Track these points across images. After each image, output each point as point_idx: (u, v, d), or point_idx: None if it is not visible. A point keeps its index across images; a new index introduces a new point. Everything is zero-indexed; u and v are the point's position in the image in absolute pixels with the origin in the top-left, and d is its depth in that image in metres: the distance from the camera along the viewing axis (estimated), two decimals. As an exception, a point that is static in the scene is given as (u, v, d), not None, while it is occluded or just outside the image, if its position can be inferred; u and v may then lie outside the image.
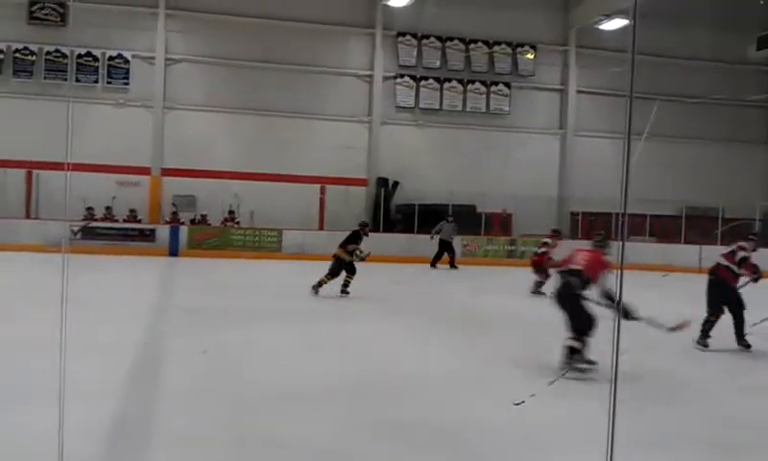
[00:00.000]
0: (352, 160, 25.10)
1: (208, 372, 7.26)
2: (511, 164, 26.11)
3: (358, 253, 13.62)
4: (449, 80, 26.10)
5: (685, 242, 24.65)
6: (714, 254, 22.91)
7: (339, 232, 22.24)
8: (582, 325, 7.44)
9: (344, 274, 13.56)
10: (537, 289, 14.88)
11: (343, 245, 13.68)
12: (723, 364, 8.87)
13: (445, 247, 21.13)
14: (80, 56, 23.25)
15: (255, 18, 24.27)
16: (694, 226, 25.90)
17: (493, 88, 26.37)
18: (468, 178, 25.03)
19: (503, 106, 26.49)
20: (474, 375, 7.61)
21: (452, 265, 21.04)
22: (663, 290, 15.67)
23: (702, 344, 9.35)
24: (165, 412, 5.80)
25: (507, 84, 26.46)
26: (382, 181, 25.15)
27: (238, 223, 23.22)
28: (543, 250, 15.54)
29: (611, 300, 7.20)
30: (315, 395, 6.39)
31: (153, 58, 23.78)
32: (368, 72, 25.56)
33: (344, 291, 13.55)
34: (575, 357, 7.42)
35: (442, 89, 26.08)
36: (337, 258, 13.58)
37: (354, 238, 13.76)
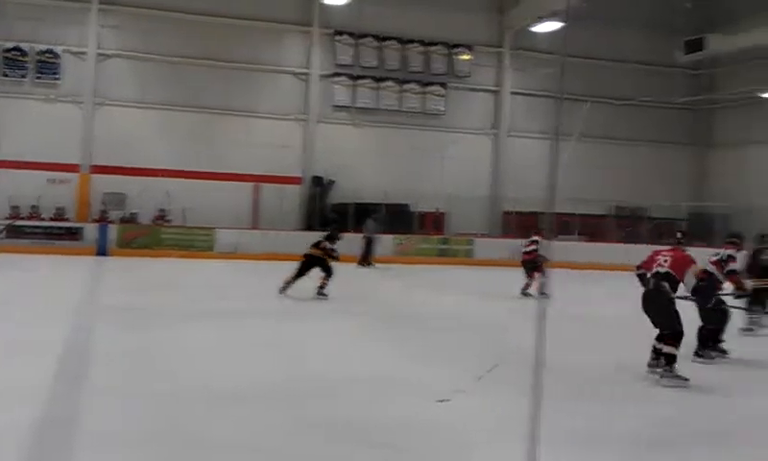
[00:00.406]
0: (287, 159, 25.57)
1: (135, 371, 7.33)
2: (445, 164, 26.88)
3: (333, 254, 13.88)
4: (386, 79, 26.77)
5: (614, 241, 25.75)
6: (643, 253, 24.10)
7: (273, 232, 22.93)
8: (678, 329, 7.62)
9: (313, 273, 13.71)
10: (525, 291, 15.16)
11: (316, 245, 13.92)
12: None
13: (368, 243, 21.73)
14: (7, 50, 23.20)
15: (191, 14, 24.56)
16: (623, 225, 27.13)
17: (429, 88, 27.13)
18: (403, 177, 25.74)
19: (439, 106, 27.29)
20: (405, 373, 7.73)
21: (363, 261, 21.38)
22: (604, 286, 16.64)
23: (702, 355, 9.10)
24: (90, 412, 5.82)
25: (443, 85, 27.26)
26: (317, 180, 25.67)
27: (169, 221, 23.46)
28: (532, 248, 15.54)
29: (700, 295, 7.88)
30: (243, 395, 6.48)
31: (84, 53, 23.85)
32: (304, 70, 26.07)
33: (320, 293, 13.59)
34: (675, 366, 7.60)
35: (378, 89, 26.70)
36: (309, 258, 13.74)
37: (332, 239, 14.08)
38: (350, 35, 26.33)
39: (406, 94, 27.09)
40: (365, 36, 26.45)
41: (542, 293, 14.79)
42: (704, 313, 8.91)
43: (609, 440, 5.77)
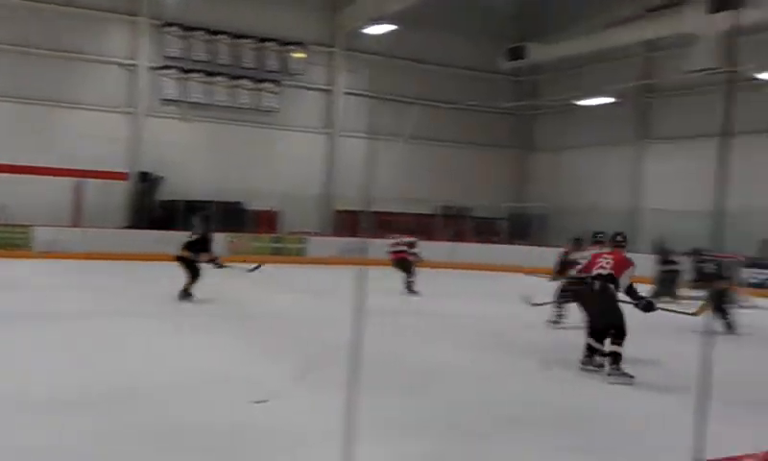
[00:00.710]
0: (113, 153, 24.84)
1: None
2: (279, 162, 27.16)
3: (217, 260, 13.92)
4: (218, 74, 26.62)
5: (441, 239, 27.04)
6: (468, 250, 25.47)
7: (96, 229, 22.25)
8: (623, 327, 8.00)
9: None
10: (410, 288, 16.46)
11: (188, 247, 13.72)
12: (467, 353, 9.98)
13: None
14: None
15: (10, -1, 23.32)
16: (449, 224, 28.53)
17: (263, 85, 27.27)
18: (236, 174, 25.74)
19: (272, 103, 27.50)
20: (232, 373, 7.75)
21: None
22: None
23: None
24: None
25: (276, 82, 27.48)
26: (145, 176, 25.14)
27: (-19, 217, 22.18)
28: (402, 248, 16.83)
29: (633, 296, 8.28)
30: (61, 400, 6.29)
31: None
32: (132, 62, 25.45)
33: (186, 294, 13.46)
34: (620, 364, 7.96)
35: (210, 83, 26.51)
36: (184, 260, 13.60)
37: (205, 243, 13.88)
38: (180, 26, 25.98)
39: (239, 90, 27.07)
40: (196, 28, 26.18)
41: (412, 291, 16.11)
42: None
43: (426, 429, 6.04)
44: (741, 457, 2.59)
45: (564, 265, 12.34)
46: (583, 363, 8.55)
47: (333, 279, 17.27)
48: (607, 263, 8.38)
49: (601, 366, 8.37)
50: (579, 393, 7.80)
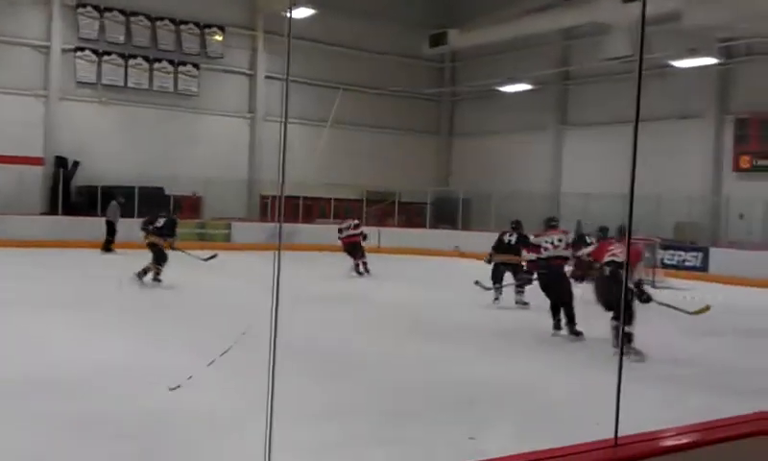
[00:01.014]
0: (28, 138, 24.05)
1: None
2: (200, 146, 26.79)
3: (172, 244, 14.41)
4: (135, 56, 26.04)
5: (366, 224, 27.14)
6: (393, 235, 25.63)
7: (8, 216, 21.50)
8: (630, 311, 8.43)
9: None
10: (358, 269, 17.76)
11: (156, 231, 14.23)
12: (394, 337, 10.11)
13: (109, 228, 21.35)
14: None
15: None
16: (374, 210, 28.67)
17: (181, 68, 26.82)
18: (157, 159, 25.26)
19: (191, 86, 27.05)
20: (150, 361, 7.70)
21: (106, 248, 21.18)
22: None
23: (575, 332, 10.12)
24: None
25: (195, 65, 27.04)
26: (61, 161, 24.44)
27: None
28: (354, 232, 18.11)
29: (638, 287, 8.91)
30: None
31: None
32: (44, 43, 24.62)
33: (156, 278, 14.09)
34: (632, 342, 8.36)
35: (126, 66, 25.93)
36: (154, 245, 14.17)
37: (172, 226, 14.48)
38: (95, 7, 25.32)
39: (157, 73, 26.54)
40: (110, 9, 25.54)
41: (362, 272, 17.37)
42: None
43: (355, 413, 6.11)
44: (657, 432, 2.74)
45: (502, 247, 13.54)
46: (614, 346, 8.62)
47: (260, 265, 17.25)
48: (621, 252, 8.99)
49: (639, 354, 8.46)
50: (510, 370, 8.02)
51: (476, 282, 13.26)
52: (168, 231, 14.38)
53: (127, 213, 21.97)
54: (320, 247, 22.65)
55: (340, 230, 18.45)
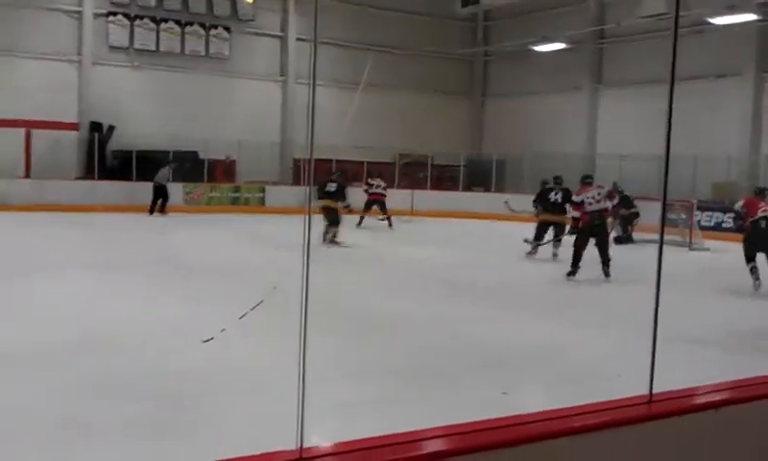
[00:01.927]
0: (62, 103, 24.34)
1: None
2: (233, 110, 26.89)
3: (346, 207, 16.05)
4: (166, 20, 26.10)
5: (399, 187, 27.19)
6: (426, 198, 25.62)
7: (48, 181, 21.88)
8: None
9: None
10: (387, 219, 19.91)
11: (331, 196, 15.18)
12: (430, 299, 10.42)
13: (159, 192, 21.63)
14: None
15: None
16: (407, 172, 28.67)
17: (213, 32, 26.84)
18: (190, 123, 25.40)
19: (223, 50, 27.08)
20: (186, 322, 7.78)
21: (157, 210, 21.52)
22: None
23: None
24: None
25: (227, 28, 27.05)
26: (96, 126, 24.72)
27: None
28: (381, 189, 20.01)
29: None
30: (12, 354, 6.26)
31: None
32: (76, 8, 24.78)
33: (333, 242, 14.82)
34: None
35: (158, 30, 26.01)
36: (329, 209, 15.03)
37: (344, 191, 15.73)
38: (127, -28, 25.33)
39: (189, 37, 26.59)
40: (143, -27, 25.54)
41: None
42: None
43: (384, 373, 6.21)
44: (691, 390, 2.77)
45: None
46: None
47: (295, 229, 17.37)
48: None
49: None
50: (539, 331, 8.05)
51: (526, 240, 14.45)
52: (340, 196, 15.51)
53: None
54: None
55: (369, 185, 20.33)
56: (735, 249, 13.77)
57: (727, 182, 22.31)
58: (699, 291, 11.23)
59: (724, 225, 20.67)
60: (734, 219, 13.31)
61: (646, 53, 23.88)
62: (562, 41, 26.80)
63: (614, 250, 16.63)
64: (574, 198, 12.61)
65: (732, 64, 23.08)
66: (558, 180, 14.80)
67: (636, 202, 18.03)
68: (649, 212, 17.41)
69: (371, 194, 20.29)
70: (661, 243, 2.77)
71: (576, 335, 7.98)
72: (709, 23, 21.62)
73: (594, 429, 2.31)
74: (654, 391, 2.53)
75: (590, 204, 12.04)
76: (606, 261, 11.81)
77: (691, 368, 6.07)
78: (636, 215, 17.87)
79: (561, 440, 2.25)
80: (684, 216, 17.77)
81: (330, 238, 14.80)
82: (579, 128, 27.89)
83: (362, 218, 19.81)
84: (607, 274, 11.76)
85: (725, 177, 22.46)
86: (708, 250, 17.04)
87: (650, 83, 23.05)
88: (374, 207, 20.19)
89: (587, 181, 12.69)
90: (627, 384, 2.65)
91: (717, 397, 2.71)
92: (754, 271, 11.19)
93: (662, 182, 2.83)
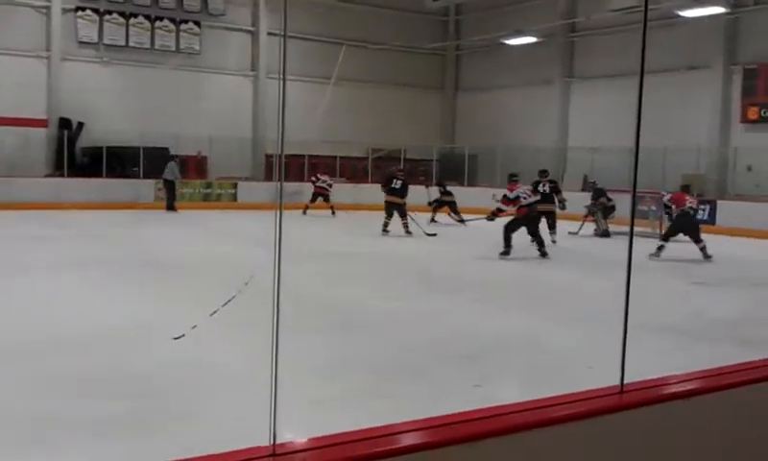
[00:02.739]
0: (31, 100, 24.03)
1: None
2: (204, 106, 26.72)
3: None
4: (136, 15, 25.86)
5: (372, 182, 27.18)
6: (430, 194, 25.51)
7: (16, 179, 21.60)
8: None
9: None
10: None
11: (394, 192, 16.81)
12: (402, 292, 10.49)
13: (169, 187, 22.13)
14: None
15: None
16: (380, 166, 28.66)
17: (183, 26, 26.64)
18: (160, 119, 25.20)
19: (193, 45, 26.89)
20: (153, 320, 7.69)
21: (170, 207, 22.09)
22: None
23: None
24: None
25: (197, 23, 26.85)
26: (65, 123, 24.44)
27: None
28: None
29: None
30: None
31: None
32: (45, 3, 24.45)
33: (408, 232, 16.87)
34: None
35: (128, 25, 25.76)
36: (397, 205, 16.88)
37: (407, 187, 17.12)
38: (95, -33, 25.04)
39: (158, 32, 26.38)
40: (111, -32, 25.28)
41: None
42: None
43: (358, 367, 6.23)
44: (663, 379, 2.79)
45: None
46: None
47: (267, 225, 17.30)
48: (693, 201, 14.66)
49: None
50: (514, 324, 8.09)
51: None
52: (405, 192, 16.87)
53: (134, 174, 22.04)
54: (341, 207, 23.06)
55: (317, 178, 22.60)
56: (706, 239, 14.01)
57: (696, 174, 22.57)
58: (670, 281, 11.37)
59: (694, 216, 20.92)
60: (665, 210, 14.74)
61: (617, 46, 24.09)
62: (533, 35, 26.93)
63: (595, 243, 16.87)
64: (508, 194, 13.80)
65: (701, 57, 23.35)
66: (544, 173, 16.55)
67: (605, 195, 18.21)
68: (620, 204, 17.63)
69: (316, 187, 22.69)
70: (632, 235, 2.79)
71: (550, 327, 8.03)
72: (679, 16, 21.84)
73: (567, 420, 2.33)
74: (626, 381, 2.55)
75: (525, 198, 13.63)
76: (541, 243, 13.53)
77: (663, 357, 6.16)
78: (613, 208, 18.04)
79: (534, 431, 2.26)
80: (654, 208, 17.94)
81: (406, 230, 16.87)
82: (551, 121, 28.06)
83: (307, 208, 22.03)
84: (544, 254, 13.38)
85: (694, 168, 22.72)
86: (678, 241, 17.21)
87: (620, 76, 23.27)
88: (319, 199, 22.48)
89: (513, 179, 14.29)
90: (600, 375, 2.67)
91: (687, 386, 2.74)
92: (662, 249, 13.73)
93: (630, 174, 2.86)
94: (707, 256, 13.80)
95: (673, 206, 14.16)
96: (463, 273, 12.10)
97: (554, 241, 15.37)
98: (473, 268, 12.73)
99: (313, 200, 22.49)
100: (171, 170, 22.24)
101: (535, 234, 13.60)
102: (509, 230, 13.38)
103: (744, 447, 2.85)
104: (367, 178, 27.91)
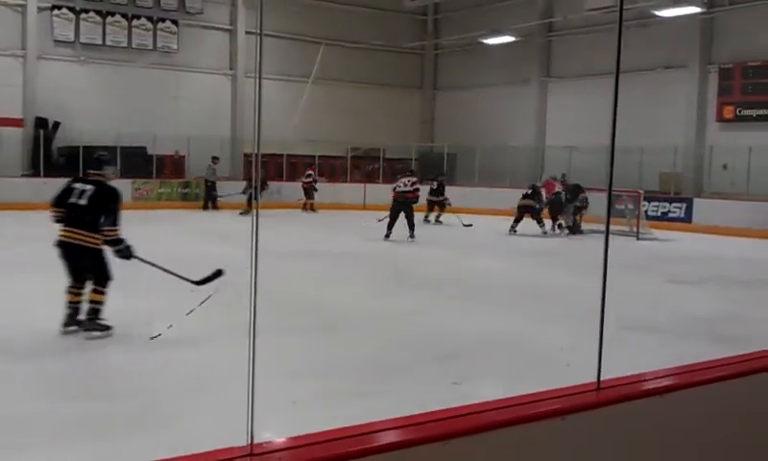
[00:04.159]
0: (6, 98, 23.74)
1: None
2: (182, 105, 26.56)
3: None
4: (112, 14, 25.65)
5: (351, 181, 27.21)
6: (379, 191, 25.67)
7: (-9, 179, 21.32)
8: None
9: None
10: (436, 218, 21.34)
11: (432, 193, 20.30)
12: (379, 292, 10.50)
13: (210, 188, 23.17)
14: None
15: None
16: (358, 166, 28.67)
17: (160, 25, 26.43)
18: (137, 118, 25.01)
19: (171, 43, 26.70)
20: (131, 319, 7.64)
21: (205, 206, 23.20)
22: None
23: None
24: None
25: (174, 22, 26.67)
26: (41, 122, 24.18)
27: None
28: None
29: None
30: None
31: None
32: (20, 2, 24.19)
33: (438, 221, 20.58)
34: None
35: (104, 24, 25.54)
36: (432, 202, 20.62)
37: (443, 187, 20.68)
38: (71, -36, 24.81)
39: (136, 30, 26.15)
40: (87, -34, 25.07)
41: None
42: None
43: (337, 367, 6.21)
44: (638, 376, 2.82)
45: None
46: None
47: (245, 224, 17.26)
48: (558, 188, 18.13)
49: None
50: (492, 323, 8.13)
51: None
52: (537, 199, 18.00)
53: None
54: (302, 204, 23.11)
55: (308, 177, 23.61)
56: (682, 238, 14.17)
57: (673, 173, 22.79)
58: (647, 279, 11.47)
59: (670, 215, 21.13)
60: (537, 196, 17.97)
61: (594, 46, 24.21)
62: (511, 34, 27.02)
63: (566, 240, 16.99)
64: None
65: (677, 56, 23.55)
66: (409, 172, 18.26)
67: (584, 192, 18.32)
68: (597, 203, 17.75)
69: (304, 183, 23.90)
70: (607, 232, 2.82)
71: (529, 326, 8.07)
72: (655, 16, 22.01)
73: (544, 417, 2.35)
74: (603, 378, 2.58)
75: (398, 188, 16.08)
76: (411, 227, 15.78)
77: (641, 354, 6.22)
78: (585, 205, 18.16)
79: (511, 428, 2.28)
80: (631, 206, 18.11)
81: (435, 219, 20.16)
82: (528, 120, 28.19)
83: (305, 206, 23.61)
84: (412, 236, 15.65)
85: (671, 167, 22.93)
86: (655, 239, 17.40)
87: (598, 75, 23.41)
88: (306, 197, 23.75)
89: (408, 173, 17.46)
90: (578, 372, 2.69)
91: (663, 382, 2.77)
92: (560, 226, 17.99)
93: (607, 173, 2.89)
94: (545, 233, 17.66)
95: (544, 192, 18.17)
96: (444, 271, 12.12)
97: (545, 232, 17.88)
98: (454, 267, 12.75)
99: (308, 196, 23.71)
100: (211, 171, 23.38)
101: (409, 220, 15.79)
102: (391, 218, 15.88)
103: (718, 442, 2.89)
104: (346, 177, 27.90)
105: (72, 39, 25.07)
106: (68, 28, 25.00)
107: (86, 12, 25.19)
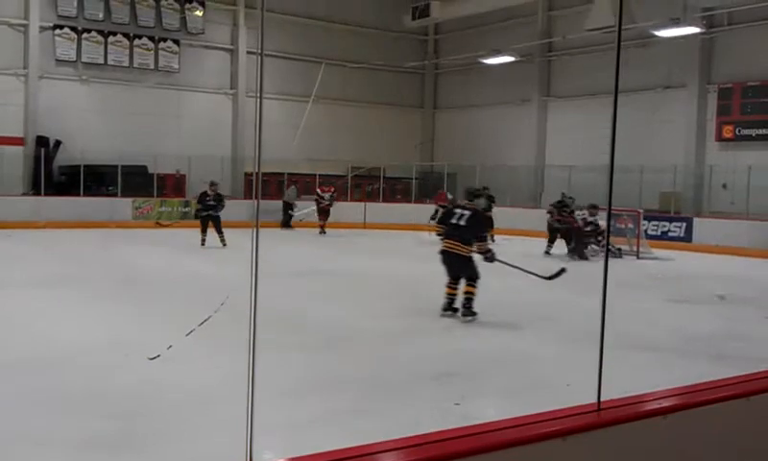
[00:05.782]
0: (7, 117, 23.82)
1: None
2: (183, 124, 26.64)
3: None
4: (114, 33, 25.76)
5: (351, 200, 27.22)
6: (380, 210, 25.69)
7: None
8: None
9: None
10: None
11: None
12: (380, 312, 10.48)
13: (287, 208, 24.07)
14: None
15: None
16: (359, 185, 28.70)
17: (162, 45, 26.55)
18: (138, 137, 25.10)
19: (172, 63, 26.81)
20: (133, 338, 7.66)
21: (282, 225, 24.00)
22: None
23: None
24: None
25: (176, 41, 26.79)
26: (42, 141, 24.24)
27: None
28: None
29: None
30: None
31: None
32: (22, 21, 24.30)
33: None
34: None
35: (106, 43, 25.66)
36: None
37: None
38: (73, -17, 24.95)
39: (137, 50, 26.28)
40: (89, -15, 25.20)
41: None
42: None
43: (337, 385, 6.19)
44: (639, 396, 2.81)
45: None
46: None
47: (246, 243, 17.24)
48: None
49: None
50: (493, 342, 8.10)
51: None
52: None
53: (112, 193, 21.92)
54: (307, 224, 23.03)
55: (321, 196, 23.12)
56: (682, 257, 14.16)
57: (673, 192, 22.80)
58: (648, 298, 11.44)
59: (670, 234, 21.12)
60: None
61: (593, 65, 24.31)
62: (511, 54, 27.11)
63: (574, 263, 16.98)
64: None
65: (676, 76, 23.63)
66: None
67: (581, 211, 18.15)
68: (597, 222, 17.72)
69: (321, 204, 23.16)
70: (607, 253, 2.82)
71: (530, 346, 8.05)
72: (654, 36, 22.10)
73: (545, 438, 2.33)
74: (604, 398, 2.57)
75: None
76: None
77: (641, 373, 6.20)
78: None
79: (512, 449, 2.27)
80: (631, 226, 18.08)
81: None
82: (528, 139, 28.23)
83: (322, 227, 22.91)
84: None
85: (671, 187, 22.94)
86: (655, 258, 17.38)
87: (597, 94, 23.49)
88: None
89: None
90: (578, 393, 2.68)
91: (665, 403, 2.76)
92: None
93: (607, 193, 2.88)
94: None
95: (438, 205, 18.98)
96: (443, 291, 12.05)
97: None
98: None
99: (324, 216, 23.09)
100: (292, 194, 24.37)
101: None
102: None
103: (720, 463, 2.87)
104: (346, 196, 27.92)
105: (74, 59, 25.18)
106: (70, 47, 25.11)
107: (88, 31, 25.31)
